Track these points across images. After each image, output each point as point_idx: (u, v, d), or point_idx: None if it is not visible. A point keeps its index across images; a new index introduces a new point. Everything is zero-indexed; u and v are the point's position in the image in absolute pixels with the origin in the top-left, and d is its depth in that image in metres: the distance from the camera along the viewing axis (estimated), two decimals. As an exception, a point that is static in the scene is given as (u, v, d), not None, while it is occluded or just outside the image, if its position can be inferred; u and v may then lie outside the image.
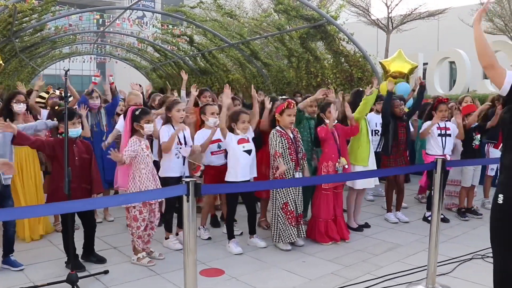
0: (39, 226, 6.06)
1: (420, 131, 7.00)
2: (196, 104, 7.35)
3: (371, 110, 7.39)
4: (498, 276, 3.54)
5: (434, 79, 13.16)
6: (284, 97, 7.98)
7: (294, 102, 5.73)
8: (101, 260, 5.21)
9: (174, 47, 21.29)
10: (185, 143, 5.68)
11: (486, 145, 7.56)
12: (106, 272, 4.91)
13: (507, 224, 3.41)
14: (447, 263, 5.23)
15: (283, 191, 5.60)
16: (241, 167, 5.55)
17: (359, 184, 6.39)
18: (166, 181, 5.45)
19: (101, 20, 18.41)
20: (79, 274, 4.54)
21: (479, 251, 5.59)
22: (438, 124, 6.82)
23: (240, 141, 5.59)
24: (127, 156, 5.02)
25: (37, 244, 5.89)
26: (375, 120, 7.44)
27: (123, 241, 5.87)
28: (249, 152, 5.63)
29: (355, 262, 5.30)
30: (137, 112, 5.18)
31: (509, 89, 3.29)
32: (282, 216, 5.60)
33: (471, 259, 5.41)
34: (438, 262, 4.68)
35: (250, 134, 5.78)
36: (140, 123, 5.13)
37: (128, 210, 5.14)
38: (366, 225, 6.64)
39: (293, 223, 5.59)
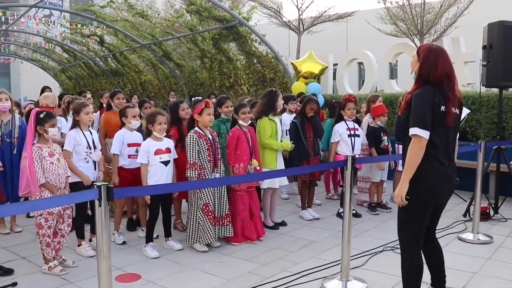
0: None
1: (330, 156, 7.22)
2: (109, 107, 7.17)
3: (284, 110, 7.52)
4: (406, 266, 3.71)
5: (344, 79, 13.56)
6: (198, 97, 7.95)
7: (211, 102, 5.72)
8: (8, 272, 4.91)
9: (83, 47, 20.62)
10: (94, 147, 5.52)
11: (396, 145, 7.84)
12: (14, 284, 4.64)
13: (413, 218, 3.58)
14: (360, 256, 5.41)
15: (204, 191, 5.56)
16: (156, 179, 5.50)
17: (266, 183, 6.46)
18: (76, 187, 5.23)
19: (3, 17, 17.47)
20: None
21: (389, 243, 5.82)
22: (347, 125, 7.05)
23: (157, 152, 5.52)
24: (40, 178, 4.81)
25: None
26: (288, 120, 7.56)
27: (32, 251, 5.58)
28: (165, 163, 5.58)
29: (271, 260, 5.35)
30: (41, 115, 4.90)
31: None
32: (202, 217, 5.56)
33: (382, 251, 5.62)
34: (351, 256, 4.81)
35: (170, 143, 5.72)
36: (44, 127, 4.88)
37: (36, 217, 4.91)
38: (283, 223, 6.73)
39: (213, 224, 5.58)
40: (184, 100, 6.68)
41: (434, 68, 3.48)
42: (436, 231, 3.93)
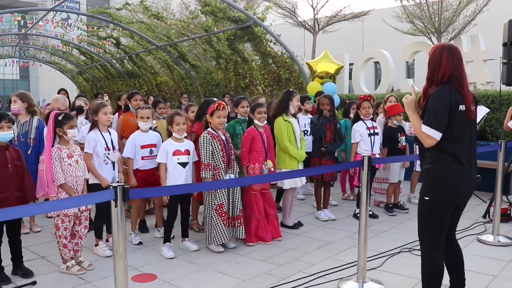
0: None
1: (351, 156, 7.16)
2: (126, 108, 7.19)
3: (299, 110, 7.47)
4: (427, 268, 3.64)
5: (360, 78, 13.48)
6: (214, 98, 7.93)
7: (224, 104, 5.69)
8: (27, 274, 4.89)
9: (100, 49, 20.76)
10: (113, 148, 5.54)
11: (414, 145, 7.71)
12: (34, 283, 4.69)
13: (433, 219, 3.52)
14: (377, 258, 5.34)
15: (218, 192, 5.55)
16: (173, 179, 5.51)
17: (289, 183, 6.41)
18: (96, 188, 5.23)
19: (22, 21, 17.68)
20: (5, 287, 4.32)
21: (406, 244, 5.75)
22: (366, 124, 6.98)
23: (175, 153, 5.53)
24: (59, 178, 4.85)
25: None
26: (304, 120, 7.52)
27: (51, 250, 5.60)
28: (183, 164, 5.57)
29: (287, 261, 5.32)
30: (59, 117, 4.95)
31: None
32: (215, 217, 5.55)
33: (399, 252, 5.54)
34: (367, 257, 4.77)
35: (189, 145, 5.71)
36: (63, 129, 4.91)
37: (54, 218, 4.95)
38: (299, 224, 6.69)
39: (226, 225, 5.57)
40: (216, 100, 6.68)
41: (438, 65, 3.45)
42: (456, 233, 3.86)
